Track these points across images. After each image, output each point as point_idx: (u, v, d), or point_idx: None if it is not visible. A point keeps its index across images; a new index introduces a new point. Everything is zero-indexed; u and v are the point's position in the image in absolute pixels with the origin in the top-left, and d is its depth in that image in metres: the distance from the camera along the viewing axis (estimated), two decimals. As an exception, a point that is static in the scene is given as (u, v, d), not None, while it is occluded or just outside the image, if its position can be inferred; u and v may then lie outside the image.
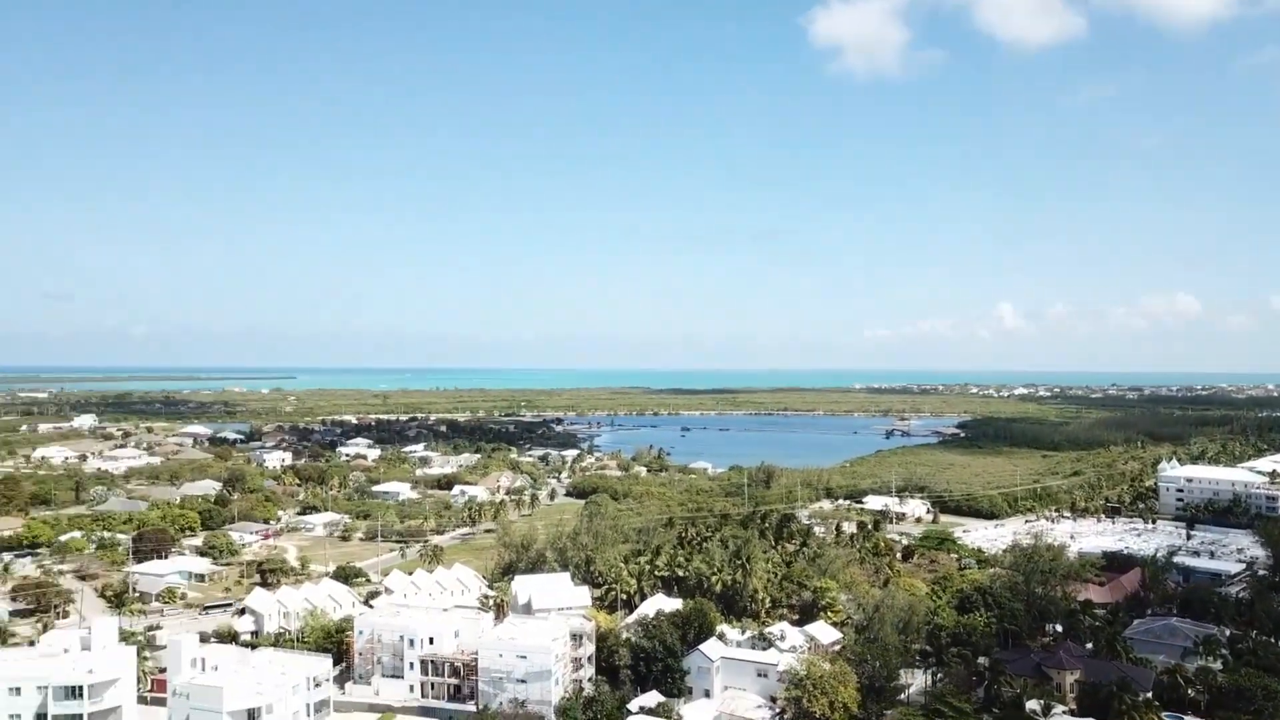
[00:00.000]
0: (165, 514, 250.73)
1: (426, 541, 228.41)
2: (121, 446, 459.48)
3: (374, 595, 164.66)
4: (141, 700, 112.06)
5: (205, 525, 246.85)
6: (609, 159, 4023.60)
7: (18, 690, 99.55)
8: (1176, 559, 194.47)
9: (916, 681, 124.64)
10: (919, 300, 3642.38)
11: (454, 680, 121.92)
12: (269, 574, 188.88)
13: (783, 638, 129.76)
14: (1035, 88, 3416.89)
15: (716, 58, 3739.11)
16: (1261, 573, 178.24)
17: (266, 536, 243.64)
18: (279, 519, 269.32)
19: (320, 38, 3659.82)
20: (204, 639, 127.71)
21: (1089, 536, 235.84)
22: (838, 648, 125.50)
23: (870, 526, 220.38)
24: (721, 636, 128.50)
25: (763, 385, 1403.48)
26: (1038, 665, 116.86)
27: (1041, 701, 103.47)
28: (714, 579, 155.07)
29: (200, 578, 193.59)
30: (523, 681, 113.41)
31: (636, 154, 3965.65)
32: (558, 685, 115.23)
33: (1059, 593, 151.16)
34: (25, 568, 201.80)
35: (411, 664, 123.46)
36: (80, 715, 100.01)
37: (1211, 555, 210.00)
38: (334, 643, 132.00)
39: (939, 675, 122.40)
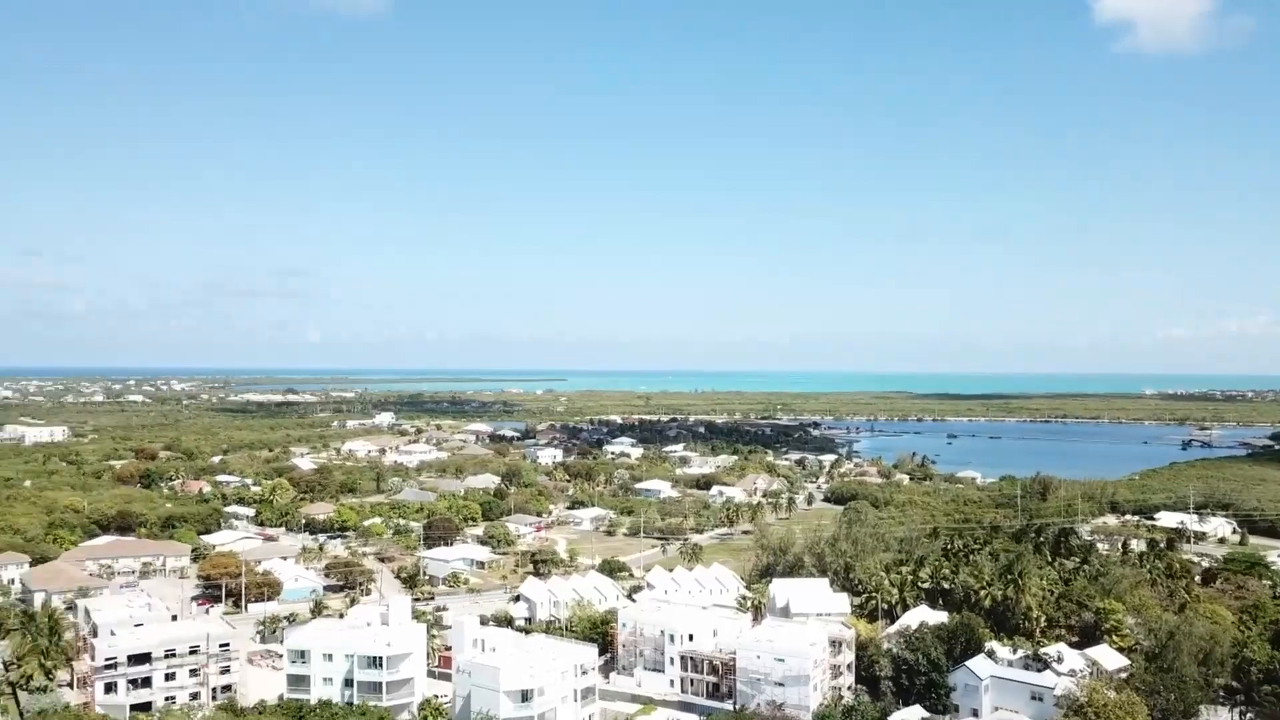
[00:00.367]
0: (451, 504, 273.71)
1: (686, 540, 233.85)
2: (414, 442, 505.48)
3: (636, 589, 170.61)
4: (430, 674, 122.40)
5: (485, 516, 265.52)
6: (886, 155, 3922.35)
7: (331, 657, 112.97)
8: None
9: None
10: (1224, 295, 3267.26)
11: (712, 678, 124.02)
12: (541, 564, 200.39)
13: (1060, 660, 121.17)
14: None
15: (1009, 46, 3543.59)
16: None
17: (539, 529, 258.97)
18: (550, 512, 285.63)
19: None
20: (483, 621, 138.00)
21: None
22: (1124, 675, 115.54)
23: (1163, 545, 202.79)
24: (991, 654, 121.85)
25: (1038, 390, 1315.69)
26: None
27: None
28: (982, 593, 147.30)
29: (480, 565, 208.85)
30: (780, 684, 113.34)
31: (915, 150, 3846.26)
32: (816, 691, 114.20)
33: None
34: (336, 548, 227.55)
35: (672, 659, 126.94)
36: (380, 683, 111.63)
37: None
38: (599, 633, 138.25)
39: (1248, 715, 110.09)
